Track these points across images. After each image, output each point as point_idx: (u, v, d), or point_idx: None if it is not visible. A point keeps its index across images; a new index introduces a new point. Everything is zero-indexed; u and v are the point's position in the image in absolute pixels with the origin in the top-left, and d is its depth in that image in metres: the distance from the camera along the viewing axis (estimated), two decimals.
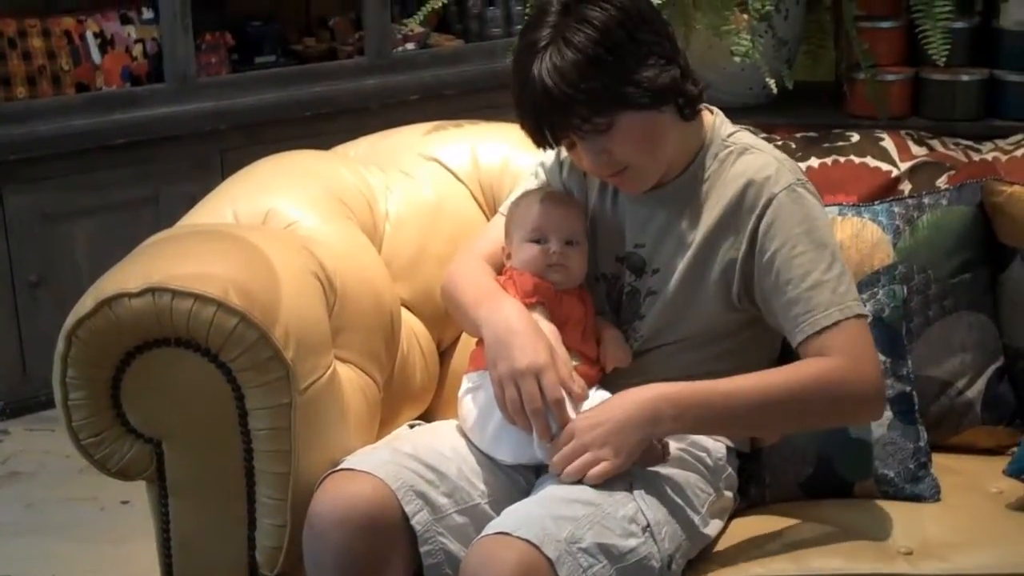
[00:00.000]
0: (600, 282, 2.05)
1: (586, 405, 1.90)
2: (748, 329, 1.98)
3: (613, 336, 2.00)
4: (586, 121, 1.85)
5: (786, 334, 1.91)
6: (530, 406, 1.82)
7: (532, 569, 1.66)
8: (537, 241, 1.98)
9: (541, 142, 1.93)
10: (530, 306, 1.94)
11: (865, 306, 2.05)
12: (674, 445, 1.89)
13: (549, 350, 1.85)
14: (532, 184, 2.11)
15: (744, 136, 2.01)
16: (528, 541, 1.68)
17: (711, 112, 2.02)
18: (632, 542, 1.76)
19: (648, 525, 1.79)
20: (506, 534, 1.70)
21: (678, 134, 1.94)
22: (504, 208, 2.12)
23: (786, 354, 1.99)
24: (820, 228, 1.92)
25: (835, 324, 1.86)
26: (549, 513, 1.74)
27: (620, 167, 1.92)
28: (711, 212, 1.95)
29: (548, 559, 1.67)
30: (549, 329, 1.91)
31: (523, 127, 1.93)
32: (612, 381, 1.98)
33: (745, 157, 1.96)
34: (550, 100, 1.84)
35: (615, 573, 1.73)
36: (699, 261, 1.95)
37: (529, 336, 1.86)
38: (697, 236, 1.95)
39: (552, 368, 1.83)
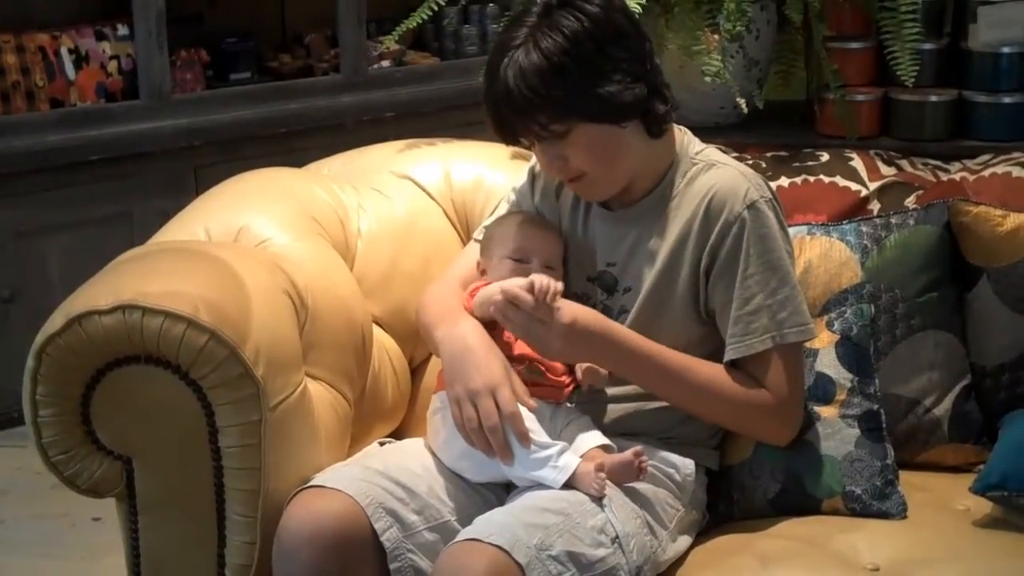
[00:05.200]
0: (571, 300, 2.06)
1: (582, 442, 1.91)
2: (719, 341, 1.99)
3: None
4: (544, 128, 1.88)
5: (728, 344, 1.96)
6: (487, 423, 1.84)
7: (502, 574, 1.68)
8: (518, 260, 2.00)
9: (503, 138, 1.96)
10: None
11: (832, 328, 2.08)
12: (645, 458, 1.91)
13: (504, 367, 1.87)
14: (504, 209, 2.12)
15: (712, 153, 2.03)
16: (499, 547, 1.70)
17: (680, 131, 2.04)
18: (601, 552, 1.78)
19: (617, 537, 1.81)
20: (477, 540, 1.71)
21: (644, 150, 1.96)
22: (478, 234, 2.13)
23: None
24: (775, 249, 1.95)
25: (766, 352, 1.93)
26: (519, 521, 1.76)
27: (575, 174, 1.95)
28: (676, 227, 1.97)
29: (518, 564, 1.69)
30: (495, 287, 1.91)
31: (489, 120, 1.95)
32: (587, 397, 2.00)
33: (711, 171, 1.99)
34: (511, 102, 1.88)
35: None
36: (666, 276, 1.97)
37: (484, 354, 1.88)
38: (664, 252, 1.97)
39: (507, 384, 1.86)
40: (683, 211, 1.97)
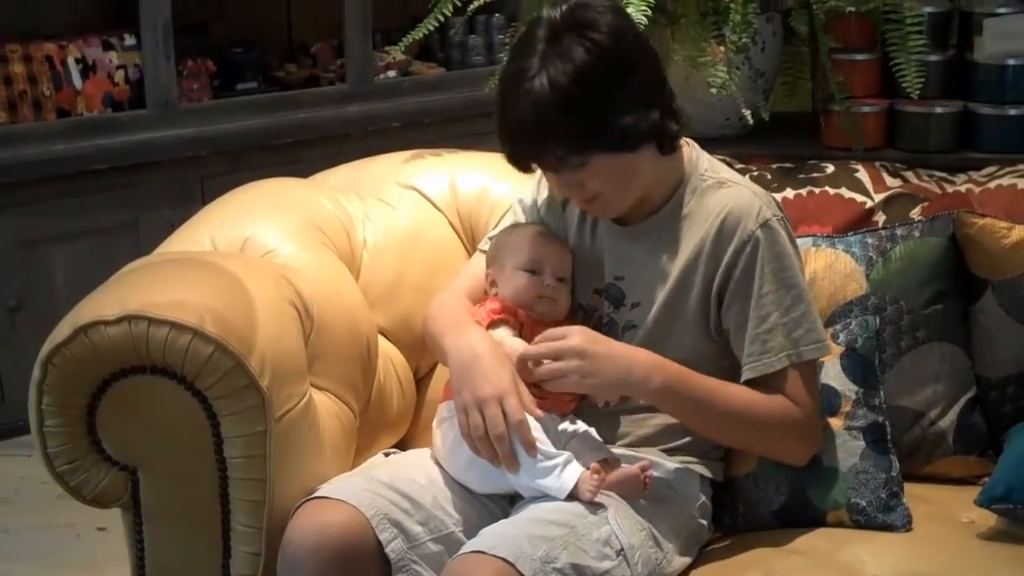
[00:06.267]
0: (578, 313, 2.06)
1: (587, 454, 1.90)
2: (727, 358, 1.99)
3: None
4: (560, 160, 1.88)
5: (747, 360, 1.95)
6: (494, 431, 1.84)
7: None
8: (532, 272, 2.00)
9: (517, 167, 1.96)
10: (495, 322, 1.95)
11: (837, 339, 2.08)
12: (651, 473, 1.90)
13: (512, 376, 1.87)
14: (509, 220, 2.13)
15: (721, 169, 2.03)
16: (503, 559, 1.70)
17: (688, 145, 2.04)
18: (606, 564, 1.78)
19: (622, 549, 1.81)
20: (482, 552, 1.72)
21: (655, 167, 1.96)
22: (484, 245, 2.14)
23: None
24: (789, 268, 1.95)
25: (783, 370, 1.93)
26: (524, 533, 1.76)
27: (590, 197, 1.94)
28: (689, 245, 1.97)
29: None
30: (518, 344, 1.93)
31: (502, 149, 1.95)
32: (595, 407, 1.99)
33: (723, 191, 1.98)
34: (527, 135, 1.87)
35: None
36: (677, 294, 1.97)
37: (492, 362, 1.88)
38: (676, 269, 1.97)
39: (515, 393, 1.85)
40: (695, 229, 1.97)
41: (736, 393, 1.94)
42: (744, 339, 1.94)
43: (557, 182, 1.95)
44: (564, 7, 1.90)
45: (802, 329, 1.94)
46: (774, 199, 2.02)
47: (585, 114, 1.85)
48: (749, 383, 1.95)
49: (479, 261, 2.12)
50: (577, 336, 1.88)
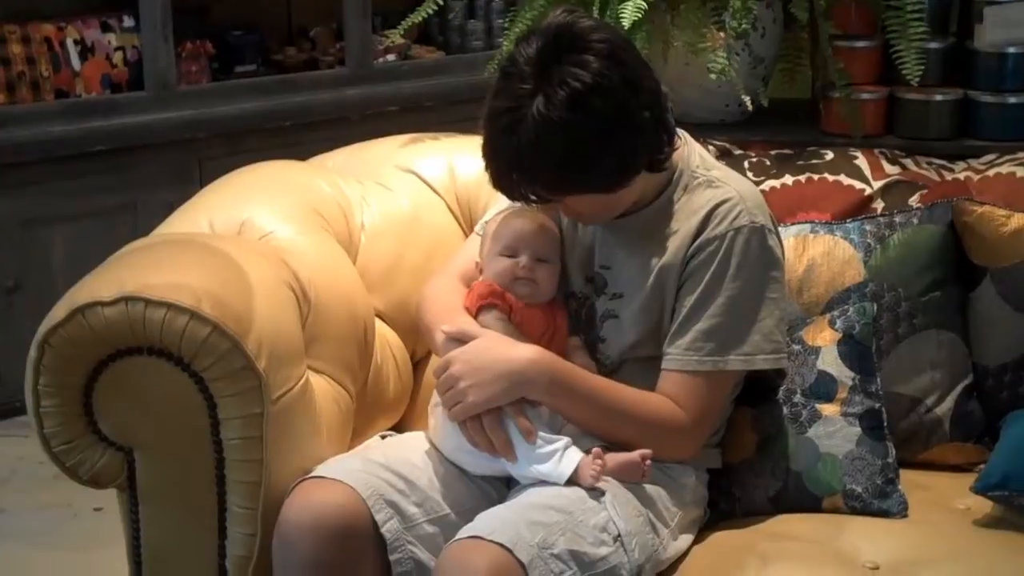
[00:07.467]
0: (571, 300, 2.06)
1: (583, 440, 1.91)
2: None
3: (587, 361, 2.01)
4: (541, 198, 1.90)
5: (664, 351, 1.95)
6: (487, 421, 1.85)
7: (504, 572, 1.68)
8: (510, 256, 2.00)
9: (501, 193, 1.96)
10: (483, 308, 1.95)
11: (834, 326, 2.08)
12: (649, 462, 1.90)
13: None
14: (504, 203, 2.12)
15: (713, 165, 2.03)
16: (501, 544, 1.70)
17: (681, 139, 2.01)
18: (603, 551, 1.78)
19: (619, 535, 1.81)
20: (479, 538, 1.71)
21: (644, 180, 1.94)
22: (479, 227, 2.13)
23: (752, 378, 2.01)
24: (749, 279, 1.93)
25: (701, 373, 1.91)
26: (522, 518, 1.76)
27: (576, 215, 1.97)
28: (672, 242, 1.96)
29: (520, 563, 1.69)
30: (505, 330, 1.93)
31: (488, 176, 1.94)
32: None
33: (711, 190, 1.97)
34: (508, 174, 1.87)
35: None
36: (656, 289, 1.97)
37: None
38: (656, 265, 1.97)
39: None
40: (678, 229, 1.96)
41: (619, 391, 1.93)
42: (679, 329, 1.93)
43: (540, 204, 1.96)
44: (555, 31, 1.84)
45: (735, 338, 1.92)
46: (763, 207, 1.99)
47: (570, 168, 1.84)
48: (664, 372, 1.93)
49: (473, 244, 2.12)
50: (456, 364, 1.88)
